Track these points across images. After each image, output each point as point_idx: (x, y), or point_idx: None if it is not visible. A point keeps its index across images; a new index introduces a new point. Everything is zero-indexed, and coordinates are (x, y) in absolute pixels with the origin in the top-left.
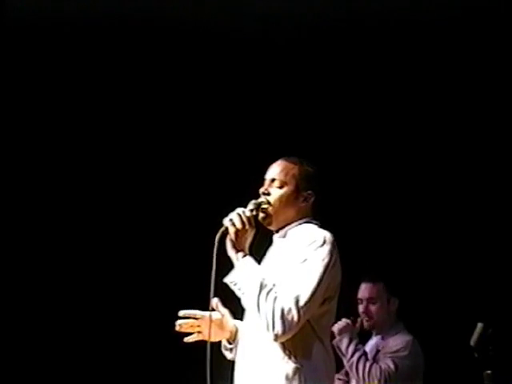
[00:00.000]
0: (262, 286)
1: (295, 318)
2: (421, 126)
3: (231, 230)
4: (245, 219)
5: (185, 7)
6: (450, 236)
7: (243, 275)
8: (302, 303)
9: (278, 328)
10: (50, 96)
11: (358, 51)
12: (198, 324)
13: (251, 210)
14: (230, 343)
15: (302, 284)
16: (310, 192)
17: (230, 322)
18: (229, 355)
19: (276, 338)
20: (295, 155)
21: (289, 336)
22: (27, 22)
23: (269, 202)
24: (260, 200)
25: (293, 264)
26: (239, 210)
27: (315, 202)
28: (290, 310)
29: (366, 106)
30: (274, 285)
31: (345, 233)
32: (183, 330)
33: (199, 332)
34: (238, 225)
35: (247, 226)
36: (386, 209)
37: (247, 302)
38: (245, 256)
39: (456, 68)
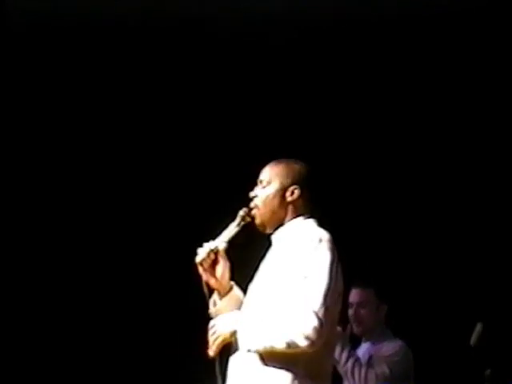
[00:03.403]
0: (261, 323)
1: (316, 324)
2: (414, 129)
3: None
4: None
5: (183, 7)
6: (447, 236)
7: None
8: (317, 307)
9: (304, 343)
10: (49, 96)
11: (355, 50)
12: None
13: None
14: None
15: (309, 290)
16: (295, 186)
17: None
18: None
19: (310, 348)
20: (290, 156)
21: (320, 341)
22: (27, 22)
23: (256, 206)
24: (241, 215)
25: (292, 272)
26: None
27: (306, 198)
28: (306, 319)
29: (361, 108)
30: (269, 306)
31: (335, 238)
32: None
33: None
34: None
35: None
36: (377, 212)
37: (260, 347)
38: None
39: (454, 67)
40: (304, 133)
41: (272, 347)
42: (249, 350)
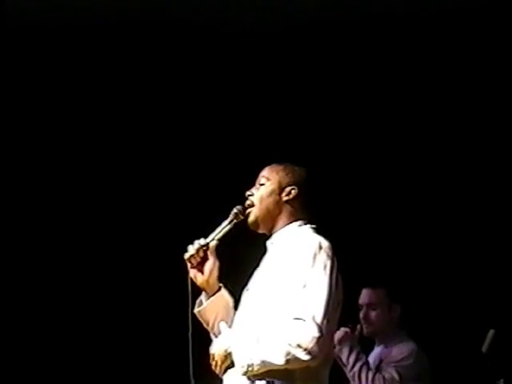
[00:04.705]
0: (256, 339)
1: (318, 336)
2: (423, 127)
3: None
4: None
5: (183, 6)
6: (458, 237)
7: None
8: (319, 319)
9: (306, 357)
10: (49, 96)
11: (352, 53)
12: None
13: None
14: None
15: (310, 300)
16: (293, 187)
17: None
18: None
19: (311, 362)
20: (289, 159)
21: (321, 354)
22: (27, 22)
23: (251, 204)
24: (234, 212)
25: (290, 281)
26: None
27: (303, 200)
28: (307, 331)
29: (363, 110)
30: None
31: (344, 237)
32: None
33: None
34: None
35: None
36: (387, 211)
37: (258, 367)
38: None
39: (454, 68)
40: (304, 135)
41: (271, 364)
42: (246, 373)
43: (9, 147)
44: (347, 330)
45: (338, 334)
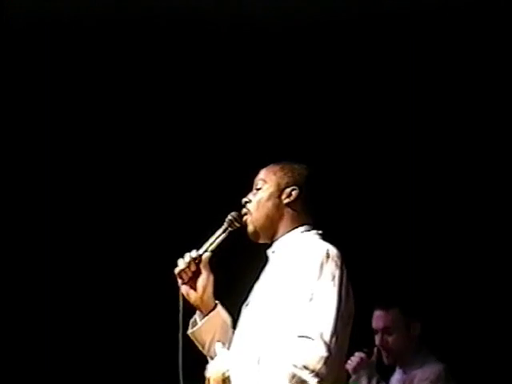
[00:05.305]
0: (256, 362)
1: (326, 356)
2: (431, 127)
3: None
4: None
5: (182, 6)
6: (479, 240)
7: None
8: (327, 337)
9: (313, 380)
10: (49, 96)
11: (354, 51)
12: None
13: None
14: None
15: (316, 316)
16: (293, 187)
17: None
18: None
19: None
20: (295, 159)
21: (330, 376)
22: (28, 22)
23: (248, 211)
24: (228, 219)
25: (294, 294)
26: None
27: (306, 202)
28: (314, 351)
29: (373, 112)
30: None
31: (354, 244)
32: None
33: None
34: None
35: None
36: (399, 211)
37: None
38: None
39: (454, 68)
40: (305, 135)
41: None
42: None
43: (8, 147)
44: (362, 355)
45: (353, 361)
